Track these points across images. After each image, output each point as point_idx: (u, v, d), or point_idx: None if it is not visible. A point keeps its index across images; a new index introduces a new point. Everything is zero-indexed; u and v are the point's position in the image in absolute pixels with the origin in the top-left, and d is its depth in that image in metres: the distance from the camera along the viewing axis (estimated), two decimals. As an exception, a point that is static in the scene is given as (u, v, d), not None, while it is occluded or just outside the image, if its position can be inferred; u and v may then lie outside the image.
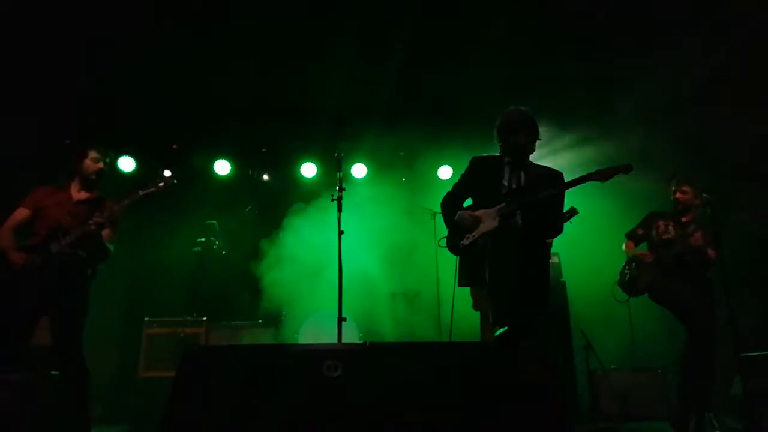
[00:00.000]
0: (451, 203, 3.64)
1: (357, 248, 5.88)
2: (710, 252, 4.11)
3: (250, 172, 7.01)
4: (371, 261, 6.49)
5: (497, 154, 3.61)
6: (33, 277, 3.49)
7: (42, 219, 3.68)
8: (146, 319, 5.54)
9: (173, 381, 2.42)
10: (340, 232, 4.29)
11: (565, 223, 4.14)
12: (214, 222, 6.26)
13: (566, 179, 3.43)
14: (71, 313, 3.59)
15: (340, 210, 4.34)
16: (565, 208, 3.84)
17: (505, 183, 3.46)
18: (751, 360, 4.49)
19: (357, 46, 5.41)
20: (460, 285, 3.58)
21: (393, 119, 6.45)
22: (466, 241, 3.42)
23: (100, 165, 3.82)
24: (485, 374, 2.41)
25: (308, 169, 6.99)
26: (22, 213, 3.72)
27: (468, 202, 3.66)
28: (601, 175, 3.24)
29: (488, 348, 2.87)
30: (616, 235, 4.86)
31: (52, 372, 3.80)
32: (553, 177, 3.50)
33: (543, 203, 3.31)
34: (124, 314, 6.41)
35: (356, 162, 6.97)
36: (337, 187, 4.43)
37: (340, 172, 4.53)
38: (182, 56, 5.58)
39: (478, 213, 3.44)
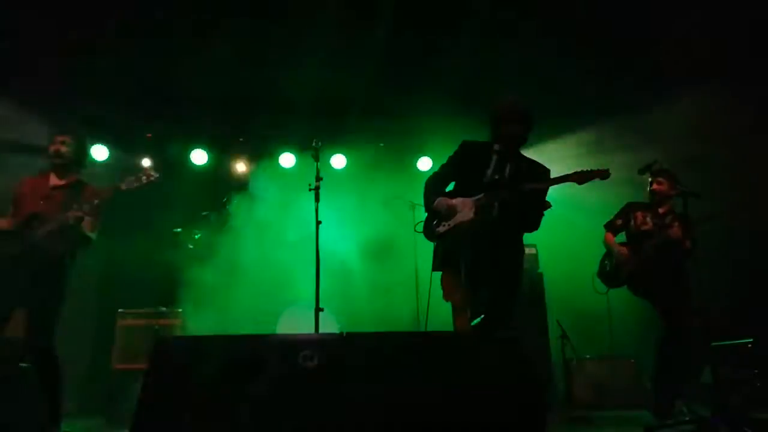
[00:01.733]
0: (434, 186, 3.58)
1: (335, 239, 5.86)
2: (686, 243, 4.18)
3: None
4: (349, 252, 6.48)
5: (488, 141, 3.54)
6: (8, 266, 3.42)
7: (20, 207, 3.64)
8: (120, 310, 5.45)
9: (145, 372, 2.38)
10: (318, 223, 4.26)
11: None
12: (209, 213, 6.17)
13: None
14: (46, 302, 3.52)
15: (317, 200, 4.30)
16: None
17: (489, 172, 3.41)
18: (721, 349, 4.60)
19: (337, 35, 5.36)
20: (434, 270, 3.58)
21: (372, 109, 6.43)
22: (441, 229, 3.40)
23: (58, 146, 3.73)
24: (461, 364, 2.42)
25: (287, 160, 6.94)
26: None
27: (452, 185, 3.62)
28: (578, 178, 3.27)
29: (464, 337, 2.88)
30: (593, 226, 4.91)
31: (22, 364, 3.72)
32: (538, 172, 3.46)
33: (522, 198, 3.29)
34: (97, 306, 6.30)
35: (335, 153, 6.95)
36: (315, 178, 4.39)
37: (318, 162, 4.49)
38: (159, 44, 5.47)
39: (456, 201, 3.39)
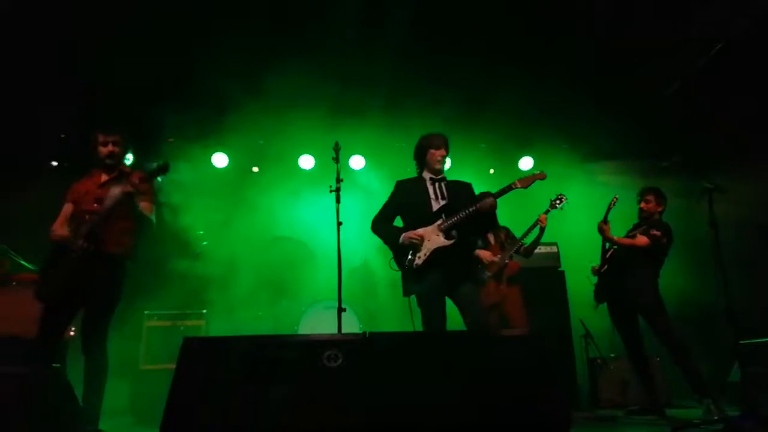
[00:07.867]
0: (383, 224, 3.92)
1: (356, 239, 5.88)
2: (637, 240, 4.49)
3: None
4: (370, 252, 6.50)
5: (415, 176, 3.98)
6: (70, 271, 3.46)
7: (78, 210, 3.65)
8: (146, 312, 5.55)
9: (174, 372, 2.43)
10: (339, 223, 4.29)
11: (556, 209, 4.96)
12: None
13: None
14: (103, 302, 3.63)
15: (338, 201, 4.34)
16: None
17: (432, 200, 3.76)
18: (749, 347, 4.52)
19: (356, 37, 5.38)
20: (405, 295, 3.83)
21: (392, 110, 6.43)
22: (419, 261, 3.64)
23: (110, 147, 3.69)
24: (484, 363, 2.42)
25: (306, 161, 6.98)
26: (67, 207, 3.70)
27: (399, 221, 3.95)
28: (523, 183, 3.72)
29: (486, 337, 2.88)
30: (615, 223, 4.87)
31: (54, 365, 3.80)
32: (466, 187, 3.91)
33: (477, 214, 3.62)
34: (124, 307, 6.38)
35: (354, 154, 6.97)
36: (336, 179, 4.42)
37: (338, 163, 4.53)
38: (178, 48, 5.53)
39: (420, 232, 3.68)
